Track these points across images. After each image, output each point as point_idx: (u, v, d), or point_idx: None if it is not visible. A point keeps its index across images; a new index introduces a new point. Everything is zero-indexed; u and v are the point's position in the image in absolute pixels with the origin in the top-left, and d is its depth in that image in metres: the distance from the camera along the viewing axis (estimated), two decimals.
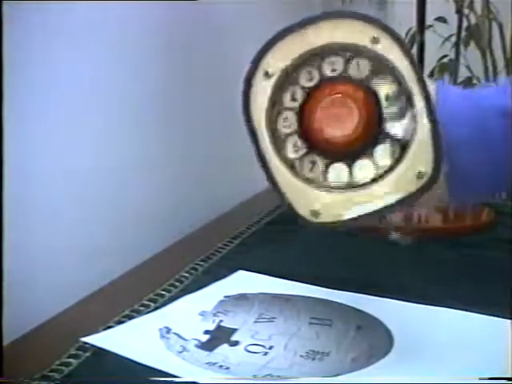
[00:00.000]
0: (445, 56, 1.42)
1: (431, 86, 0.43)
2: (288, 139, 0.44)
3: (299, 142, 0.44)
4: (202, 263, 0.65)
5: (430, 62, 1.47)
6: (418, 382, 0.42)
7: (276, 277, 0.60)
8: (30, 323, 0.52)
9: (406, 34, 1.44)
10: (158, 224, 0.75)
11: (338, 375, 0.44)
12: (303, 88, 0.44)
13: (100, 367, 0.45)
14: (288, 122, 0.44)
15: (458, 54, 1.40)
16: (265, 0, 0.96)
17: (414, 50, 1.46)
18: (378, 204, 0.42)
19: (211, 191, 0.86)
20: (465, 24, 1.39)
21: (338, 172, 0.44)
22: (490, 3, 1.34)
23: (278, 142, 0.45)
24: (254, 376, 0.44)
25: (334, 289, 0.57)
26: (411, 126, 0.42)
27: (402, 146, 0.42)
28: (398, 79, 0.42)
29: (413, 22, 1.47)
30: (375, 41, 0.42)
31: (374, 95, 0.42)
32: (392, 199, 0.42)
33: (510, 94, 0.42)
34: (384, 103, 0.42)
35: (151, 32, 0.73)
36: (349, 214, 0.43)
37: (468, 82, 1.41)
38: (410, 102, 0.42)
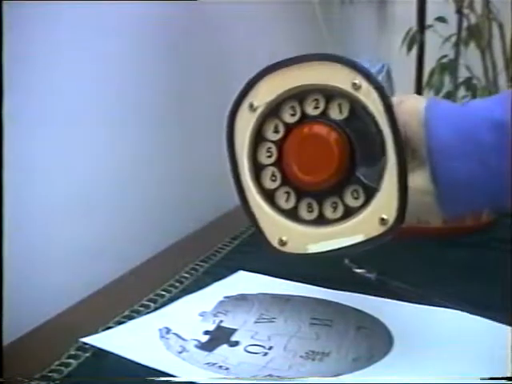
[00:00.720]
0: (445, 56, 1.42)
1: (422, 102, 0.44)
2: (267, 170, 0.46)
3: (277, 173, 0.46)
4: (202, 263, 0.65)
5: (430, 62, 1.47)
6: (418, 381, 0.42)
7: (276, 277, 0.60)
8: (30, 323, 0.52)
9: (406, 34, 1.45)
10: (157, 224, 0.75)
11: (338, 375, 0.44)
12: (285, 123, 0.45)
13: (100, 367, 0.45)
14: (269, 153, 0.46)
15: (457, 54, 1.41)
16: (265, 0, 0.96)
17: (414, 50, 1.46)
18: (342, 243, 0.44)
19: (211, 191, 0.86)
20: (465, 24, 1.39)
21: (309, 206, 0.45)
22: (490, 3, 1.34)
23: (257, 172, 0.46)
24: (254, 376, 0.44)
25: (335, 289, 0.57)
26: (381, 174, 0.42)
27: (370, 191, 0.43)
28: (375, 125, 0.42)
29: (413, 22, 1.47)
30: (356, 86, 0.43)
31: (350, 139, 0.43)
32: (354, 240, 0.43)
33: (502, 106, 0.42)
34: (358, 148, 0.43)
35: (151, 32, 0.73)
36: (313, 249, 0.45)
37: (468, 82, 1.41)
38: (382, 149, 0.42)
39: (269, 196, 0.46)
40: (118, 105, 0.68)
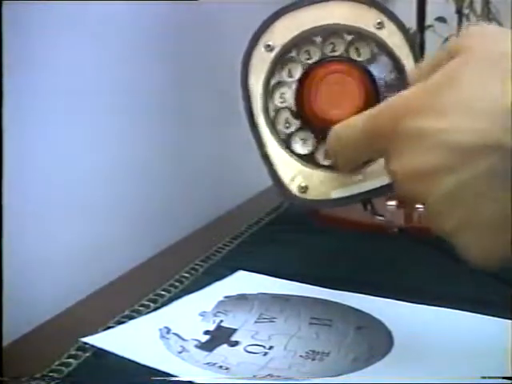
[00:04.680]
0: None
1: None
2: (282, 114, 0.44)
3: (291, 118, 0.44)
4: (202, 263, 0.65)
5: None
6: (418, 381, 0.42)
7: (276, 277, 0.60)
8: (30, 323, 0.52)
9: None
10: (157, 224, 0.75)
11: (338, 375, 0.44)
12: (302, 64, 0.44)
13: (100, 367, 0.45)
14: (284, 98, 0.44)
15: None
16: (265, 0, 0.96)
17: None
18: (366, 186, 0.43)
19: (211, 191, 0.86)
20: (465, 24, 1.39)
21: (324, 151, 0.44)
22: (490, 3, 1.34)
23: (273, 116, 0.45)
24: (254, 376, 0.44)
25: (334, 289, 0.57)
26: None
27: None
28: (398, 67, 0.42)
29: (413, 22, 1.47)
30: (380, 26, 0.42)
31: (373, 79, 0.42)
32: (379, 183, 0.42)
33: None
34: (382, 88, 0.42)
35: (151, 32, 0.73)
36: (335, 194, 0.43)
37: None
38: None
39: (285, 141, 0.45)
40: (117, 104, 0.68)
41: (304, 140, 0.44)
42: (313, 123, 0.44)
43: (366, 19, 0.42)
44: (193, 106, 0.82)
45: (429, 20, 1.46)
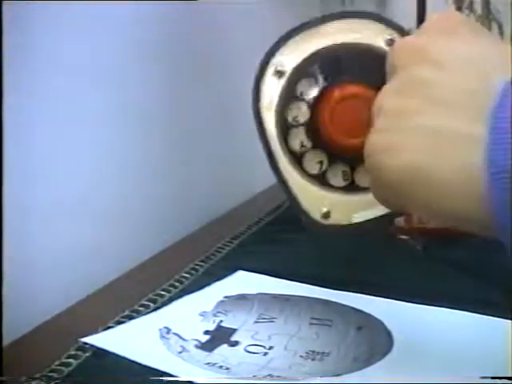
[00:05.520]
0: None
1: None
2: (295, 133, 0.44)
3: (305, 140, 0.43)
4: (201, 263, 0.65)
5: None
6: (417, 381, 0.42)
7: (276, 277, 0.60)
8: (30, 323, 0.52)
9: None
10: (157, 224, 0.75)
11: (338, 375, 0.44)
12: (317, 85, 0.43)
13: (100, 367, 0.45)
14: (298, 115, 0.43)
15: None
16: (265, 0, 0.96)
17: None
18: (385, 208, 0.42)
19: (211, 191, 0.86)
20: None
21: (340, 172, 0.43)
22: (490, 3, 1.34)
23: (286, 139, 0.44)
24: (254, 376, 0.44)
25: (335, 289, 0.57)
26: None
27: None
28: None
29: (413, 22, 1.47)
30: (391, 42, 0.41)
31: None
32: None
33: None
34: None
35: (151, 32, 0.73)
36: (357, 218, 0.43)
37: None
38: None
39: (301, 164, 0.44)
40: (117, 104, 0.68)
41: (317, 160, 0.43)
42: (327, 145, 0.43)
43: (377, 36, 0.41)
44: (193, 106, 0.82)
45: None
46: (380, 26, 0.42)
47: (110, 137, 0.67)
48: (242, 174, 0.92)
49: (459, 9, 1.36)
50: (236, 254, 0.68)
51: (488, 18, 1.35)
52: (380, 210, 0.42)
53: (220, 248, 0.69)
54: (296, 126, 0.44)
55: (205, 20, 0.83)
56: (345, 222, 0.43)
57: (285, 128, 0.44)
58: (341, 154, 0.43)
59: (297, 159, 0.44)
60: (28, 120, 0.55)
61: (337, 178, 0.43)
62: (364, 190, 0.42)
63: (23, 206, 0.55)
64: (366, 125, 0.40)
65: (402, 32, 0.41)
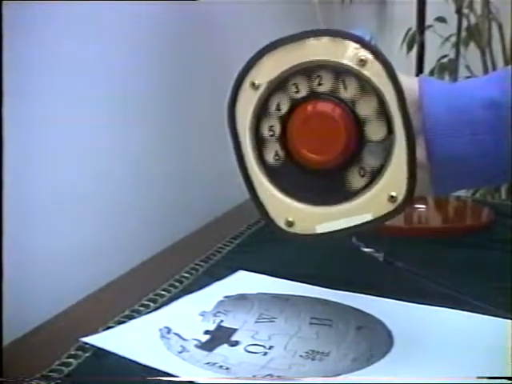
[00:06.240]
0: (445, 56, 1.42)
1: (414, 80, 0.44)
2: (270, 147, 0.45)
3: (280, 151, 0.45)
4: (202, 263, 0.65)
5: (430, 62, 1.47)
6: (418, 382, 0.42)
7: (276, 277, 0.60)
8: (30, 323, 0.52)
9: (406, 34, 1.45)
10: (157, 224, 0.75)
11: (338, 375, 0.44)
12: (289, 100, 0.44)
13: (100, 367, 0.45)
14: (272, 131, 0.45)
15: (458, 53, 1.40)
16: (265, 0, 0.96)
17: (414, 50, 1.46)
18: (350, 222, 0.43)
19: (211, 191, 0.86)
20: (465, 24, 1.39)
21: (313, 186, 0.44)
22: (490, 3, 1.34)
23: (260, 150, 0.45)
24: (254, 376, 0.44)
25: (334, 289, 0.57)
26: (388, 151, 0.42)
27: (377, 169, 0.43)
28: (382, 103, 0.42)
29: (413, 22, 1.47)
30: (362, 63, 0.42)
31: (357, 116, 0.43)
32: (363, 219, 0.43)
33: (496, 85, 0.42)
34: (365, 126, 0.43)
35: (151, 32, 0.73)
36: (321, 229, 0.44)
37: None
38: (390, 127, 0.42)
39: (272, 175, 0.45)
40: (117, 104, 0.68)
41: (291, 173, 0.45)
42: (298, 159, 0.44)
43: (349, 55, 0.42)
44: (193, 107, 0.82)
45: (429, 20, 1.46)
46: (355, 46, 0.42)
47: (111, 137, 0.67)
48: None
49: (460, 8, 1.36)
50: (236, 254, 0.68)
51: (488, 17, 1.35)
52: (344, 223, 0.43)
53: (220, 248, 0.69)
54: (269, 143, 0.45)
55: (205, 20, 0.83)
56: (308, 232, 0.44)
57: (259, 144, 0.45)
58: (310, 168, 0.44)
59: (269, 171, 0.45)
60: (28, 120, 0.55)
61: (304, 190, 0.44)
62: (330, 202, 0.44)
63: (23, 207, 0.55)
64: (333, 141, 0.42)
65: (375, 52, 0.42)
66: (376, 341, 0.49)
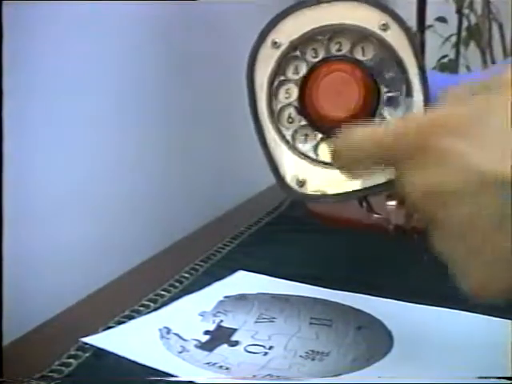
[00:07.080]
0: (445, 56, 1.42)
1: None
2: (286, 109, 0.46)
3: (295, 115, 0.45)
4: (202, 263, 0.65)
5: (430, 62, 1.47)
6: (418, 382, 0.42)
7: (276, 277, 0.60)
8: (30, 323, 0.52)
9: None
10: (157, 224, 0.75)
11: (338, 375, 0.44)
12: (307, 62, 0.45)
13: (100, 367, 0.45)
14: (288, 94, 0.45)
15: (458, 54, 1.40)
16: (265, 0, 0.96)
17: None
18: (363, 184, 0.43)
19: (211, 191, 0.86)
20: (465, 24, 1.39)
21: (328, 148, 0.44)
22: (490, 3, 1.34)
23: (277, 112, 0.46)
24: (254, 376, 0.44)
25: (335, 289, 0.57)
26: (405, 115, 0.43)
27: None
28: (401, 68, 0.42)
29: (413, 22, 1.47)
30: (384, 27, 0.43)
31: (375, 80, 0.44)
32: (375, 181, 0.43)
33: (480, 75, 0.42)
34: (383, 88, 0.43)
35: (151, 32, 0.73)
36: (333, 190, 0.44)
37: None
38: (408, 91, 0.43)
39: (287, 136, 0.46)
40: (117, 103, 0.68)
41: (306, 136, 0.45)
42: (315, 121, 0.45)
43: (371, 20, 0.43)
44: (194, 106, 0.82)
45: (429, 20, 1.46)
46: (375, 11, 0.43)
47: (111, 136, 0.67)
48: (242, 174, 0.92)
49: (460, 8, 1.36)
50: (236, 253, 0.68)
51: (488, 17, 1.35)
52: (356, 185, 0.44)
53: (220, 248, 0.69)
54: (286, 105, 0.46)
55: (205, 20, 0.83)
56: (319, 193, 0.45)
57: (276, 105, 0.46)
58: (327, 132, 0.44)
59: (285, 134, 0.46)
60: (28, 120, 0.55)
61: (322, 154, 0.45)
62: None
63: (23, 206, 0.55)
64: (351, 99, 0.43)
65: (397, 18, 0.42)
66: (376, 341, 0.49)
